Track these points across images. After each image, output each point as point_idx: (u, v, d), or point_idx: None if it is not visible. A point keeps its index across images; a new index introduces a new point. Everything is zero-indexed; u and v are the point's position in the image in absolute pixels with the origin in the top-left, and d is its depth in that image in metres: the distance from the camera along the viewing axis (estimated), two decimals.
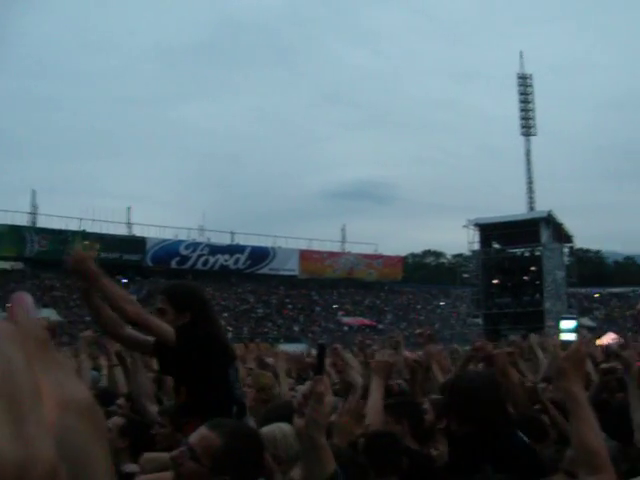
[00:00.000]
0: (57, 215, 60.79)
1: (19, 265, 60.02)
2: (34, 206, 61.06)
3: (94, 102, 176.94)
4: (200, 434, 2.49)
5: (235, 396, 3.79)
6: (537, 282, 56.01)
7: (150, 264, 63.19)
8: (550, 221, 56.80)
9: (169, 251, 65.29)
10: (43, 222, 60.73)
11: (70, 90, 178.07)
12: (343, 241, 77.46)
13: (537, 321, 49.65)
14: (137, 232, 65.38)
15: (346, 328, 62.41)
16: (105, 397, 5.25)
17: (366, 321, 65.34)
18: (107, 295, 3.60)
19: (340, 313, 67.77)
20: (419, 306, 73.13)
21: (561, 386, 2.29)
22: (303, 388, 2.61)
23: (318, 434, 2.34)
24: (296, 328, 62.27)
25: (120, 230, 64.11)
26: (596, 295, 76.85)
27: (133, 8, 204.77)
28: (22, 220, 59.73)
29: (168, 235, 66.68)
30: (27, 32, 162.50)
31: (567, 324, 40.58)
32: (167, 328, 3.63)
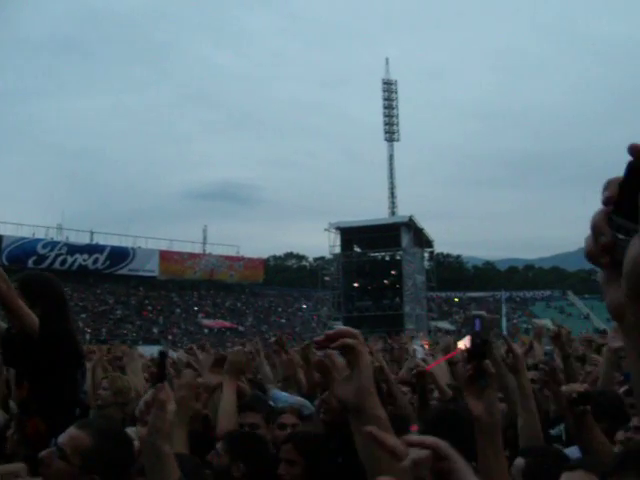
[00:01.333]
0: None
1: None
2: None
3: None
4: (69, 434, 2.54)
5: (79, 398, 3.82)
6: (397, 286, 56.94)
7: (5, 263, 59.84)
8: (411, 226, 57.93)
9: (26, 250, 62.65)
10: None
11: None
12: (204, 242, 77.00)
13: (397, 324, 50.36)
14: None
15: (206, 330, 61.69)
16: None
17: (227, 323, 64.81)
18: None
19: (200, 315, 67.01)
20: (280, 309, 73.13)
21: None
22: (145, 395, 2.36)
23: (161, 442, 2.25)
24: (155, 330, 60.99)
25: None
26: (455, 299, 79.15)
27: None
28: None
29: (25, 233, 64.21)
30: None
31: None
32: (34, 318, 3.56)
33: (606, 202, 0.87)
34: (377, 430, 1.33)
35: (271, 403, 4.98)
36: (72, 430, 2.54)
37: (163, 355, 2.57)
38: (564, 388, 3.41)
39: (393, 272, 57.86)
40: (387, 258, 60.50)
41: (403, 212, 65.86)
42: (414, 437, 1.32)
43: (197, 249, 75.16)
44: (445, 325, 65.00)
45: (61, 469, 2.44)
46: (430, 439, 1.27)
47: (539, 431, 3.65)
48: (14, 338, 3.62)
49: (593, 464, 2.50)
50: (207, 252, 75.41)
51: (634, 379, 0.88)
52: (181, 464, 2.41)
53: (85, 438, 2.51)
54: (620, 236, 0.85)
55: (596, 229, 0.87)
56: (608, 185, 0.87)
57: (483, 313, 2.42)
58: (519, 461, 2.96)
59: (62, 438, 2.52)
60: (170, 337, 57.08)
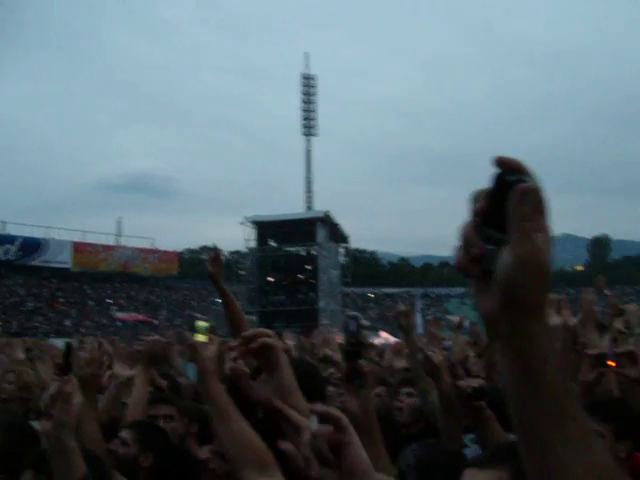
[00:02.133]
0: None
1: None
2: None
3: None
4: None
5: None
6: (312, 281, 57.13)
7: None
8: (327, 221, 58.23)
9: None
10: None
11: None
12: (118, 234, 75.72)
13: (311, 319, 50.54)
14: None
15: (119, 324, 60.71)
16: None
17: (140, 317, 63.96)
18: None
19: (114, 308, 65.93)
20: (194, 302, 72.74)
21: None
22: (51, 389, 2.39)
23: (66, 436, 2.26)
24: (68, 323, 59.80)
25: None
26: (370, 295, 79.91)
27: None
28: None
29: None
30: None
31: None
32: None
33: (475, 214, 0.89)
34: (282, 404, 1.45)
35: None
36: None
37: (69, 347, 2.60)
38: (460, 383, 3.41)
39: (308, 267, 58.03)
40: (302, 253, 60.66)
41: (320, 207, 66.33)
42: (320, 406, 1.37)
43: (111, 241, 73.95)
44: (361, 321, 65.67)
45: None
46: (334, 411, 1.34)
47: (460, 432, 3.75)
48: None
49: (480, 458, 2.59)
50: (121, 244, 74.18)
51: (507, 385, 0.91)
52: (86, 459, 2.39)
53: None
54: (489, 247, 0.87)
55: (466, 240, 0.90)
56: (477, 197, 0.89)
57: (357, 314, 2.62)
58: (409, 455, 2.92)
59: None
60: (83, 330, 55.93)
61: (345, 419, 1.32)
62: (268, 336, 1.80)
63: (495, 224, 0.86)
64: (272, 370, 1.80)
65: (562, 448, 0.87)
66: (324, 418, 1.32)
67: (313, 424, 1.37)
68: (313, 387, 2.49)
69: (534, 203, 0.86)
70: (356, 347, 2.27)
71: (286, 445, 1.35)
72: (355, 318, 2.41)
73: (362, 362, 2.28)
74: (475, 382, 3.36)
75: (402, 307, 4.98)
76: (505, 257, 0.86)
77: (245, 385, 1.79)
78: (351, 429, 1.31)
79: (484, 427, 3.23)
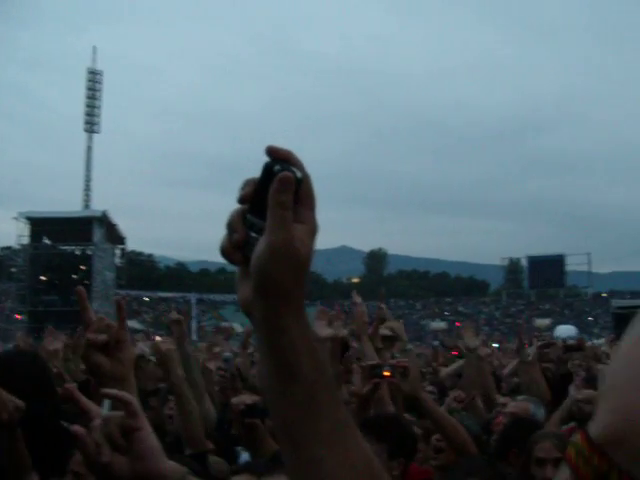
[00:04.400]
0: None
1: None
2: None
3: None
4: None
5: None
6: (86, 281, 55.53)
7: None
8: (104, 221, 56.95)
9: None
10: None
11: None
12: None
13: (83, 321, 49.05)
14: None
15: None
16: None
17: None
18: None
19: None
20: None
21: None
22: None
23: None
24: None
25: None
26: (146, 299, 78.88)
27: None
28: None
29: None
30: None
31: None
32: None
33: (241, 200, 0.89)
34: (77, 392, 1.40)
35: None
36: None
37: None
38: (234, 400, 3.51)
39: (83, 267, 56.39)
40: (77, 252, 58.74)
41: (98, 206, 64.75)
42: (112, 391, 1.40)
43: None
44: (135, 325, 64.76)
45: None
46: (125, 395, 1.36)
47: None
48: None
49: (257, 466, 2.59)
50: None
51: (262, 373, 0.91)
52: None
53: None
54: (253, 234, 0.87)
55: (231, 226, 0.90)
56: (245, 184, 0.89)
57: None
58: None
59: None
60: None
61: (135, 403, 1.34)
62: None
63: (260, 212, 0.87)
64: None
65: (315, 444, 0.86)
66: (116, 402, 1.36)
67: (105, 409, 1.37)
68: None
69: (300, 193, 0.86)
70: None
71: (77, 429, 1.31)
72: None
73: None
74: (249, 399, 3.44)
75: (174, 315, 4.83)
76: (260, 244, 0.85)
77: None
78: (141, 413, 1.34)
79: (259, 442, 3.38)
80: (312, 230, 0.87)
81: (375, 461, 0.92)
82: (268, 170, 0.86)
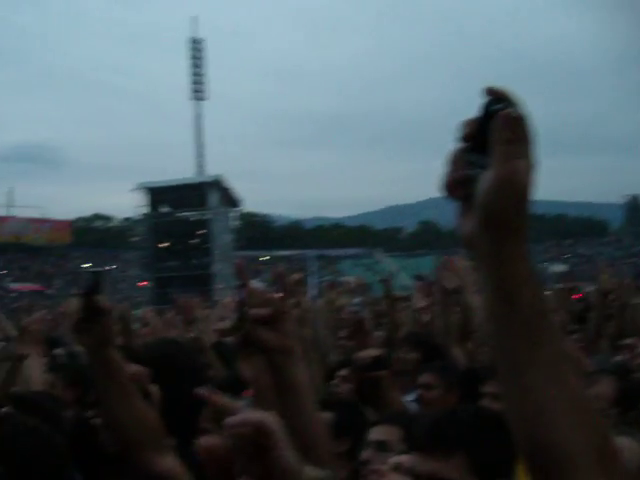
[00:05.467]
0: None
1: None
2: None
3: None
4: None
5: None
6: (205, 245, 56.98)
7: None
8: (219, 185, 58.05)
9: None
10: None
11: None
12: (9, 205, 74.24)
13: (206, 284, 50.50)
14: None
15: (14, 294, 59.19)
16: None
17: (35, 287, 62.91)
18: None
19: (8, 279, 64.42)
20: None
21: None
22: None
23: None
24: None
25: None
26: (264, 258, 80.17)
27: None
28: None
29: None
30: None
31: None
32: None
33: (463, 139, 0.92)
34: (212, 396, 1.28)
35: None
36: None
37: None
38: (360, 354, 3.39)
39: (201, 232, 57.96)
40: (195, 218, 60.38)
41: (212, 172, 65.91)
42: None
43: (2, 212, 72.74)
44: (256, 284, 65.97)
45: None
46: (257, 416, 1.09)
47: None
48: None
49: (395, 418, 2.63)
50: (12, 215, 72.81)
51: (486, 308, 0.93)
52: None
53: None
54: (475, 170, 0.91)
55: (453, 164, 0.93)
56: (466, 124, 0.92)
57: (97, 269, 2.39)
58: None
59: None
60: None
61: (269, 422, 1.09)
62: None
63: (481, 150, 0.90)
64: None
65: (534, 371, 0.88)
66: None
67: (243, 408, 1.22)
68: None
69: (517, 130, 0.88)
70: (93, 302, 1.99)
71: (202, 392, 1.21)
72: (96, 272, 2.18)
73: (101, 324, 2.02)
74: (374, 352, 3.36)
75: (296, 275, 4.88)
76: (486, 179, 0.88)
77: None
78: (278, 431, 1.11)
79: (383, 395, 3.26)
80: (532, 164, 0.89)
81: (591, 401, 0.92)
82: (488, 109, 0.89)
